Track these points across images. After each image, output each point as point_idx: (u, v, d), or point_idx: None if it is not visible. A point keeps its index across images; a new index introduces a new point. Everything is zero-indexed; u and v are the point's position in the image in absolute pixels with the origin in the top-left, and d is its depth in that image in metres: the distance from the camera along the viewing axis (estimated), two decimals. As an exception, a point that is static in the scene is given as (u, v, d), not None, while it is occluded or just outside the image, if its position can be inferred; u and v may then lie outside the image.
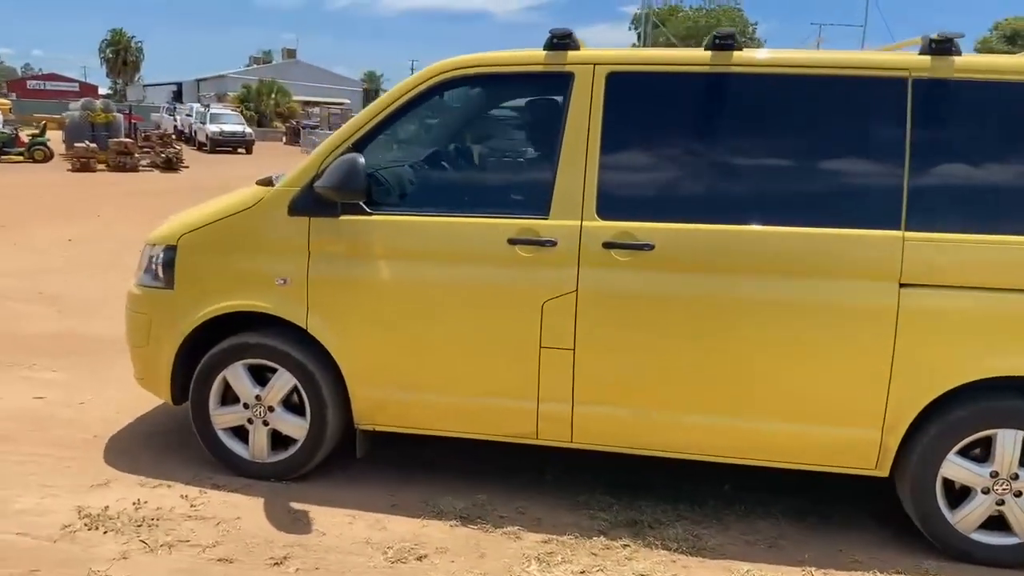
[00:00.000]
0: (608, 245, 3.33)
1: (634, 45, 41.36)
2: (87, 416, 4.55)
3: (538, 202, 3.43)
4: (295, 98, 55.24)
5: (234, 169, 23.70)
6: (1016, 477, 3.19)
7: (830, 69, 3.29)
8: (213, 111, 32.99)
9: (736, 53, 3.33)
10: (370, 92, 62.02)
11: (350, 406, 3.70)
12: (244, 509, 3.54)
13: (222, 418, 3.81)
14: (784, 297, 3.25)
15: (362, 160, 3.33)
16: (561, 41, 3.46)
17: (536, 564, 3.20)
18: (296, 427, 3.74)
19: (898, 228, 3.18)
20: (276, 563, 3.15)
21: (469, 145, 3.72)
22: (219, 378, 3.76)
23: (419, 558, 3.23)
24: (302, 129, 36.89)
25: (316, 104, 55.59)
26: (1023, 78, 3.16)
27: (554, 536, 3.41)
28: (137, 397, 4.80)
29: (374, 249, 3.53)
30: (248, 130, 32.18)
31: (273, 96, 52.82)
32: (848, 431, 3.30)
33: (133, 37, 77.64)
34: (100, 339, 6.04)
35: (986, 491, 3.23)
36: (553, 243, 3.37)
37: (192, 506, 3.54)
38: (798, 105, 3.33)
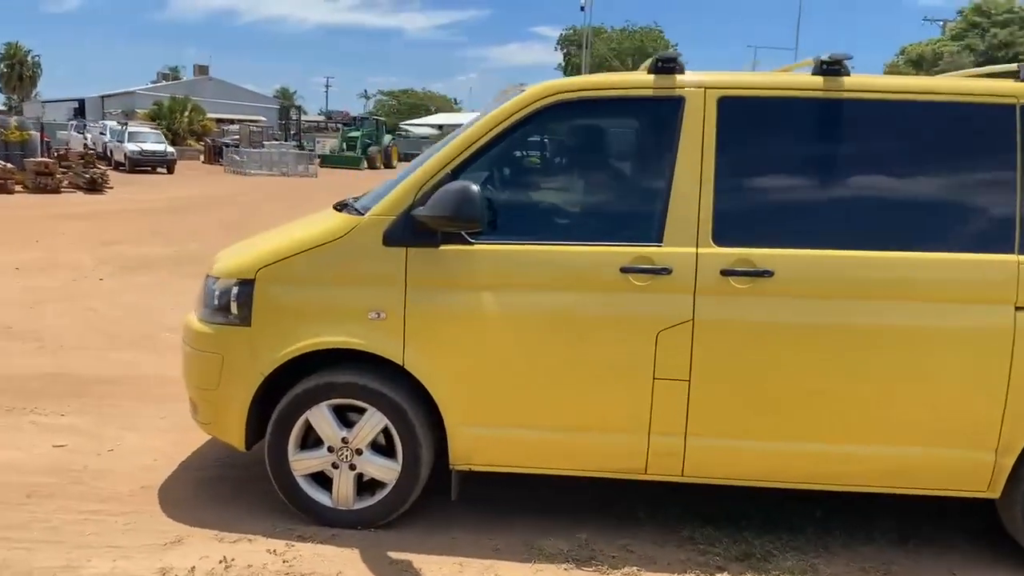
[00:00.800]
0: (726, 272, 3.26)
1: (560, 66, 41.84)
2: (123, 465, 4.18)
3: (650, 229, 3.33)
4: (209, 115, 53.50)
5: (163, 190, 22.82)
6: None
7: (938, 95, 3.32)
8: (131, 129, 31.54)
9: (846, 79, 3.33)
10: (286, 109, 60.60)
11: (442, 446, 3.51)
12: (342, 562, 3.29)
13: (302, 463, 3.54)
14: (901, 322, 3.24)
15: (476, 188, 3.16)
16: (666, 65, 3.39)
17: (673, 606, 3.08)
18: (386, 470, 3.51)
19: (1013, 252, 3.22)
20: (402, 621, 2.93)
21: (574, 171, 3.60)
22: (301, 421, 3.50)
23: (549, 607, 3.07)
24: (225, 147, 35.71)
25: (232, 121, 54.04)
26: None
27: (676, 575, 3.30)
28: (168, 442, 4.49)
29: (478, 280, 3.36)
30: (170, 149, 30.90)
31: (187, 113, 50.95)
32: (963, 453, 3.31)
33: (30, 51, 73.73)
34: (96, 378, 5.61)
35: (1098, 509, 3.28)
36: (668, 271, 3.28)
37: (285, 562, 3.27)
38: (909, 131, 3.35)
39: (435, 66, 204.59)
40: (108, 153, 32.14)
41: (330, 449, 3.51)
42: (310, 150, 40.51)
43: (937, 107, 3.32)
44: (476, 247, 3.36)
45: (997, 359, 3.22)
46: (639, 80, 3.42)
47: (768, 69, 4.02)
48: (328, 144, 47.59)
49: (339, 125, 61.89)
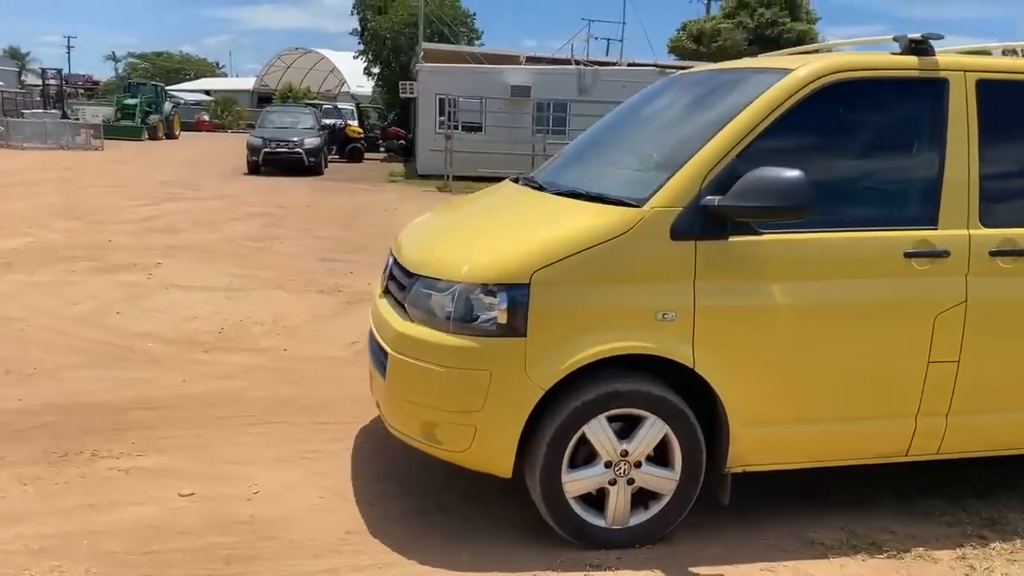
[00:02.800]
0: (995, 253, 3.34)
1: (354, 31, 40.41)
2: (292, 509, 3.51)
3: (925, 212, 3.34)
4: (-65, 79, 45.72)
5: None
6: None
7: None
8: None
9: (1079, 62, 3.51)
10: (22, 72, 53.22)
11: (717, 450, 3.31)
12: (661, 588, 3.01)
13: (576, 484, 3.18)
14: None
15: (801, 173, 2.97)
16: (922, 46, 3.38)
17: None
18: (665, 481, 3.25)
19: None
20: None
21: (848, 154, 3.44)
22: (576, 436, 3.14)
23: (892, 602, 3.02)
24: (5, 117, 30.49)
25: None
26: None
27: (959, 551, 3.37)
28: (305, 474, 3.87)
29: (768, 272, 3.18)
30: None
31: (-95, 76, 43.24)
32: None
33: None
34: (120, 406, 4.66)
35: None
36: (947, 254, 3.30)
37: (605, 597, 2.94)
38: None
39: (181, 28, 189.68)
40: None
41: (607, 464, 3.19)
42: (75, 119, 35.93)
43: None
44: (766, 237, 3.17)
45: None
46: (906, 61, 3.37)
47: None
48: (86, 112, 42.46)
49: (85, 92, 55.38)
